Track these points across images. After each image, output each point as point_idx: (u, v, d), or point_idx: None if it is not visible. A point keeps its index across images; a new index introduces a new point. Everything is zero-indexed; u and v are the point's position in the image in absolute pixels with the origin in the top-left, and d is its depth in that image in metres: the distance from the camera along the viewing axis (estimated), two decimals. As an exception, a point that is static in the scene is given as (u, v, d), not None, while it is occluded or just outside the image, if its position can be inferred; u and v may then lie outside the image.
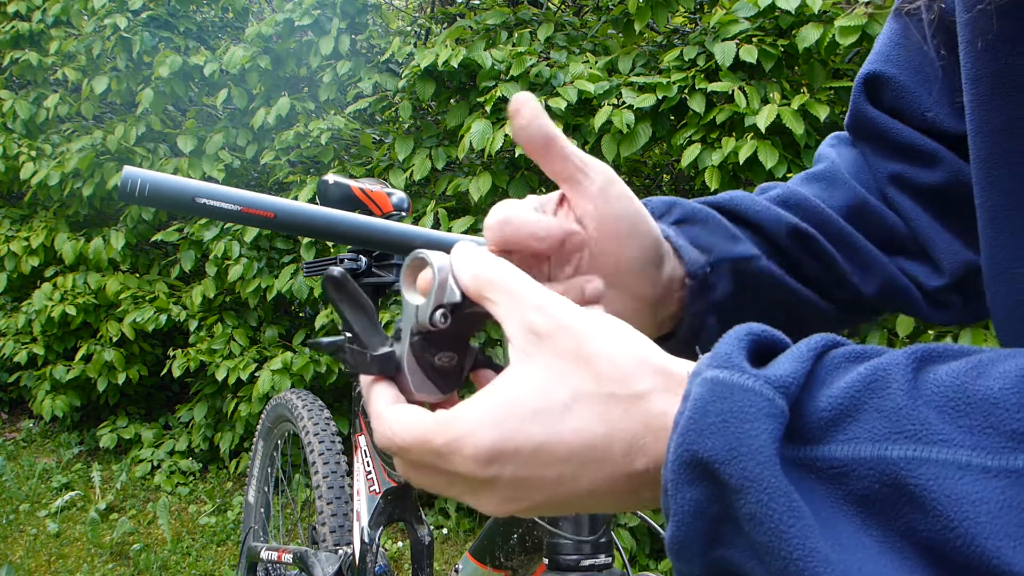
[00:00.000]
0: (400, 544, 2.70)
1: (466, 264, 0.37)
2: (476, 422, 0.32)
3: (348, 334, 0.40)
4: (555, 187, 0.48)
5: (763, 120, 2.06)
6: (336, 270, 0.40)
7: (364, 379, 0.40)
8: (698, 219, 0.50)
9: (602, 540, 0.75)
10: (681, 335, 0.50)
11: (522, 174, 2.55)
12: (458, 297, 0.38)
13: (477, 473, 0.32)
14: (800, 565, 0.26)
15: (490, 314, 0.37)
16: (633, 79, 2.37)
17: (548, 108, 2.35)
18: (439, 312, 0.38)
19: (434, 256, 0.39)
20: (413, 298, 0.40)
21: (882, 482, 0.26)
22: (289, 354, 2.85)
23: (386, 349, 0.39)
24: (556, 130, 0.43)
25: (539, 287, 0.35)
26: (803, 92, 2.25)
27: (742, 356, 0.30)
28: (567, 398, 0.32)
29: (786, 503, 0.26)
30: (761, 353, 0.32)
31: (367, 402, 0.39)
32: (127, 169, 0.52)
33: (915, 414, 0.27)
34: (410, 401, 0.38)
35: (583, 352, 0.32)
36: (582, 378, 0.32)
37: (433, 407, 0.36)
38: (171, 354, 3.16)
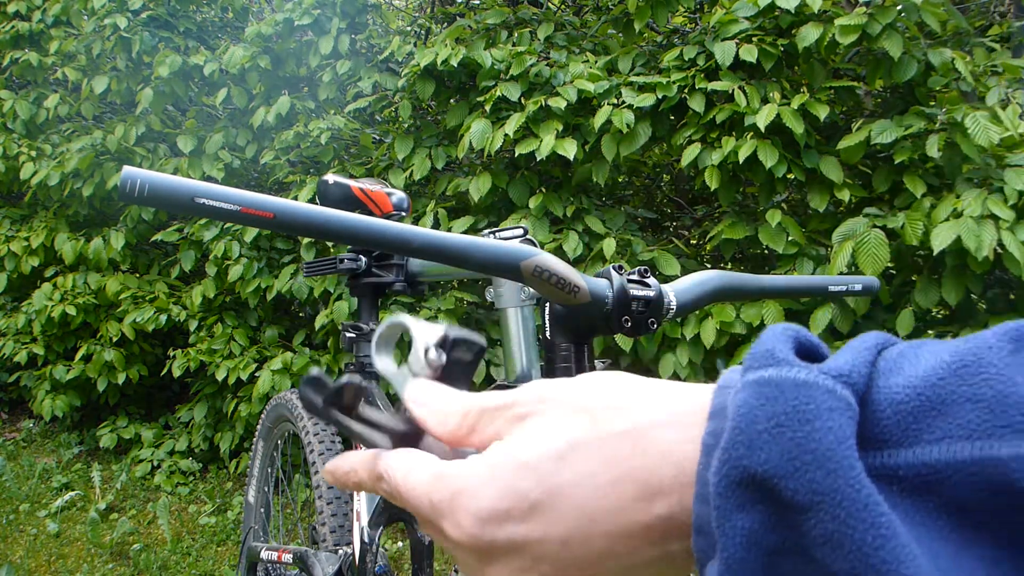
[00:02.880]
0: (400, 544, 2.70)
1: (429, 416, 0.33)
2: (469, 477, 0.29)
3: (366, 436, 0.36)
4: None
5: (763, 120, 2.06)
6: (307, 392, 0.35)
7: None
8: None
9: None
10: None
11: (522, 174, 2.55)
12: (442, 332, 0.36)
13: (477, 536, 0.28)
14: None
15: (476, 355, 0.35)
16: (633, 79, 2.37)
17: (548, 108, 2.35)
18: (432, 351, 0.36)
19: (401, 318, 0.37)
20: (393, 366, 0.38)
21: (989, 489, 0.21)
22: (289, 354, 2.85)
23: (402, 427, 0.36)
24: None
25: (508, 391, 0.32)
26: (803, 92, 2.25)
27: (789, 350, 0.25)
28: (564, 447, 0.28)
29: (871, 518, 0.21)
30: (805, 356, 0.26)
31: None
32: (127, 169, 0.52)
33: (1023, 402, 0.21)
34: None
35: (578, 404, 0.29)
36: (579, 424, 0.28)
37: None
38: (171, 354, 3.16)
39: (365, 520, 1.28)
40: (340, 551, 1.38)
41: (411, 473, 0.31)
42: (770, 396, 0.23)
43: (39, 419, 3.67)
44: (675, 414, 0.27)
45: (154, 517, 2.95)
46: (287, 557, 1.53)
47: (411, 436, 0.35)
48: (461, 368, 0.36)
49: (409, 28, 3.78)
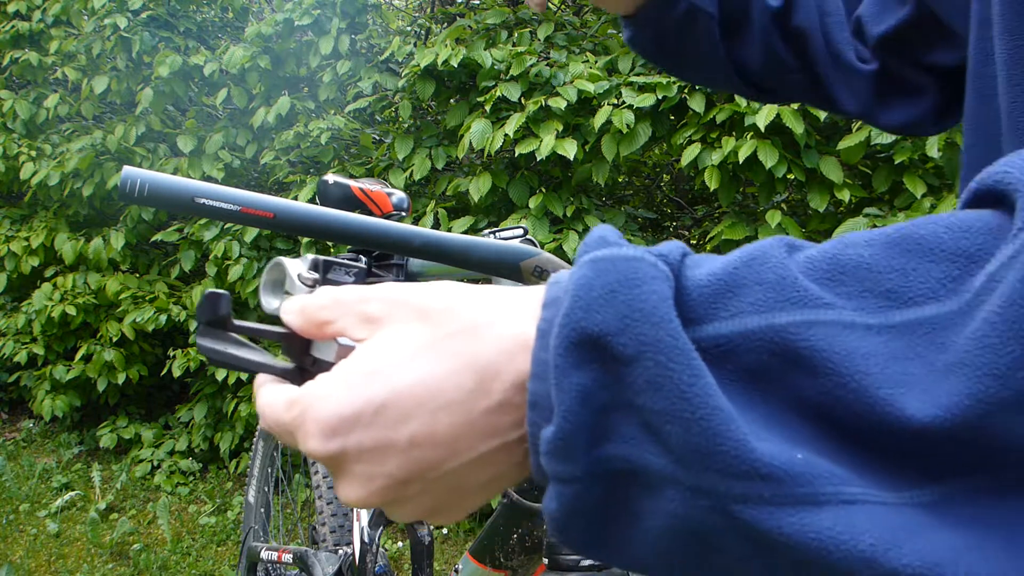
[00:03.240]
0: (400, 544, 2.70)
1: (290, 308, 0.36)
2: (316, 395, 0.31)
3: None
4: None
5: (763, 120, 2.06)
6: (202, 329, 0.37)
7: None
8: None
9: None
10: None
11: (522, 174, 2.55)
12: (312, 258, 0.41)
13: (327, 449, 0.30)
14: (704, 424, 0.24)
15: (356, 277, 0.39)
16: (633, 79, 2.37)
17: (548, 108, 2.35)
18: (304, 273, 0.40)
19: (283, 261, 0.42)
20: (279, 297, 0.42)
21: (770, 351, 0.25)
22: (289, 354, 2.85)
23: (283, 365, 0.38)
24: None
25: (362, 286, 0.34)
26: (803, 92, 2.25)
27: (617, 237, 0.29)
28: (409, 353, 0.30)
29: (686, 361, 0.25)
30: None
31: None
32: (127, 169, 0.52)
33: (797, 283, 0.26)
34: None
35: (422, 310, 0.31)
36: (422, 331, 0.30)
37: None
38: (171, 354, 3.16)
39: (365, 520, 1.28)
40: (340, 551, 1.38)
41: (270, 405, 0.33)
42: (604, 269, 0.27)
43: (39, 419, 3.66)
44: (510, 310, 0.30)
45: (154, 517, 2.95)
46: (287, 557, 1.53)
47: (296, 371, 0.37)
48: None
49: (409, 28, 3.78)
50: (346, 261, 0.40)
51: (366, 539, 1.27)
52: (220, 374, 2.94)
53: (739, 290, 0.27)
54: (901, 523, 0.24)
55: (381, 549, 1.30)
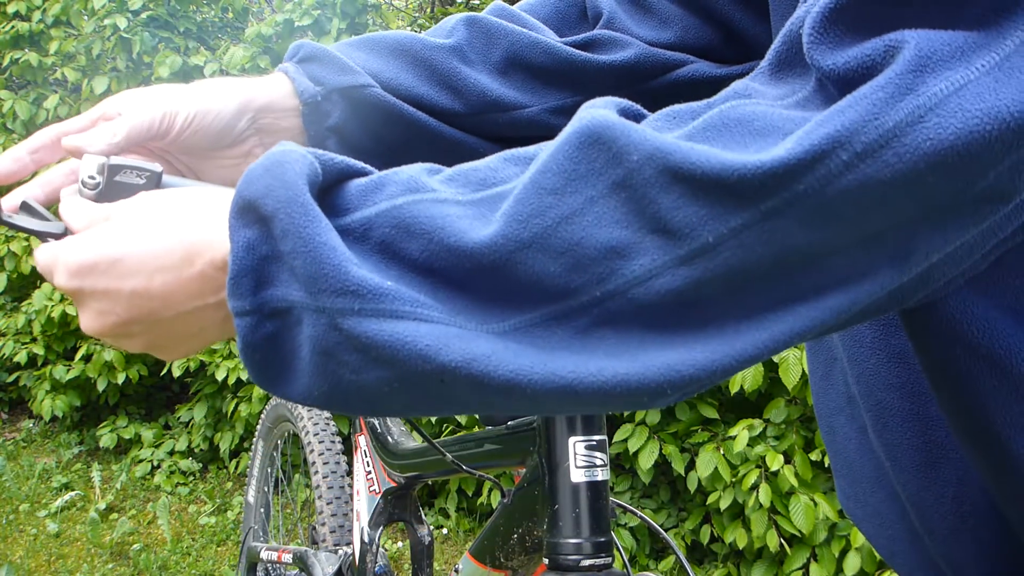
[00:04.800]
0: (400, 544, 2.70)
1: (73, 215, 0.44)
2: (68, 245, 0.40)
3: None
4: None
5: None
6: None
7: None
8: (317, 57, 0.59)
9: (602, 540, 0.75)
10: None
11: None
12: (101, 160, 0.46)
13: (70, 285, 0.40)
14: (314, 255, 0.32)
15: (149, 179, 0.46)
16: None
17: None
18: (88, 177, 0.45)
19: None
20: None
21: (391, 225, 0.33)
22: (289, 354, 2.85)
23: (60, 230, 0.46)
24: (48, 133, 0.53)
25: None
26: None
27: (295, 147, 0.36)
28: (139, 227, 0.39)
29: (304, 211, 0.32)
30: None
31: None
32: None
33: (423, 180, 0.35)
34: None
35: (149, 197, 0.41)
36: (147, 209, 0.40)
37: None
38: (171, 354, 3.15)
39: (365, 520, 1.28)
40: (340, 551, 1.39)
41: (38, 252, 0.43)
42: (268, 156, 0.35)
43: (39, 419, 3.67)
44: (219, 202, 0.38)
45: (154, 517, 2.95)
46: (287, 557, 1.53)
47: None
48: (129, 191, 0.45)
49: (409, 28, 3.78)
50: (138, 163, 0.45)
51: (366, 539, 1.27)
52: (220, 374, 2.94)
53: (382, 187, 0.35)
54: (457, 335, 0.31)
55: (381, 549, 1.30)
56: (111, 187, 0.45)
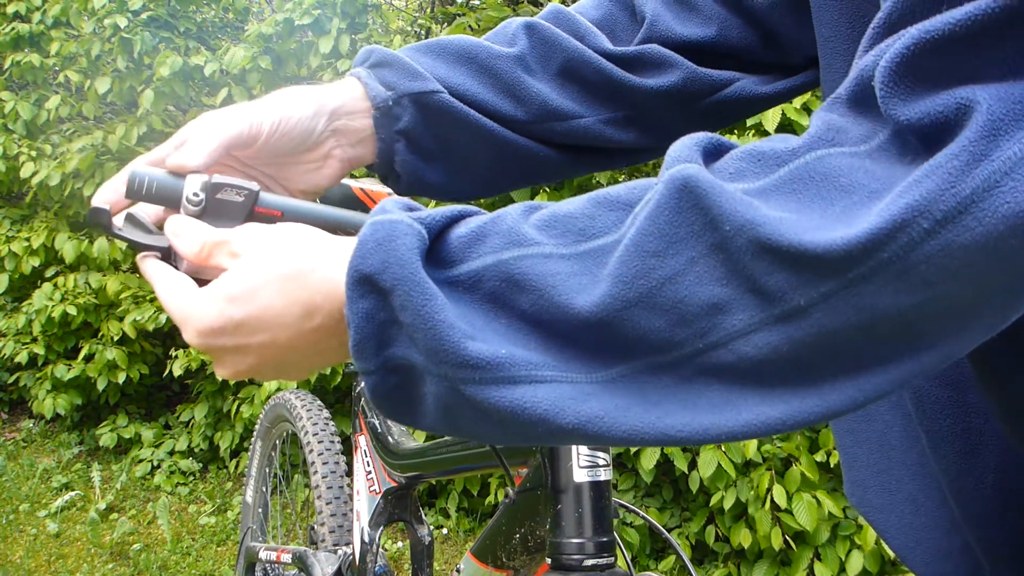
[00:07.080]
0: (400, 544, 2.69)
1: (179, 232, 0.47)
2: (196, 307, 0.43)
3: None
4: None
5: (771, 123, 2.06)
6: (99, 210, 0.49)
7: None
8: (388, 63, 0.60)
9: (605, 540, 0.75)
10: (377, 160, 0.62)
11: (523, 174, 2.54)
12: (205, 178, 0.48)
13: (201, 344, 0.43)
14: (432, 333, 0.34)
15: (247, 197, 0.49)
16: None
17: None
18: (192, 194, 0.48)
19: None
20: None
21: (500, 279, 0.36)
22: (289, 354, 2.85)
23: (166, 244, 0.49)
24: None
25: (228, 231, 0.46)
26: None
27: (397, 208, 0.39)
28: (257, 284, 0.42)
29: (422, 290, 0.35)
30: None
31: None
32: (135, 166, 0.52)
33: (521, 231, 0.36)
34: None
35: (266, 251, 0.43)
36: (266, 268, 0.42)
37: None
38: (172, 354, 3.15)
39: (365, 520, 1.27)
40: (339, 551, 1.38)
41: (165, 291, 0.46)
42: (376, 228, 0.37)
43: (39, 419, 3.66)
44: (331, 258, 0.41)
45: (154, 517, 2.95)
46: (286, 557, 1.53)
47: (168, 250, 0.49)
48: (229, 208, 0.49)
49: (409, 28, 3.78)
50: (238, 182, 0.47)
51: (366, 539, 1.26)
52: (220, 374, 2.93)
53: (484, 239, 0.37)
54: (573, 394, 0.34)
55: (381, 549, 1.30)
56: (213, 204, 0.48)
